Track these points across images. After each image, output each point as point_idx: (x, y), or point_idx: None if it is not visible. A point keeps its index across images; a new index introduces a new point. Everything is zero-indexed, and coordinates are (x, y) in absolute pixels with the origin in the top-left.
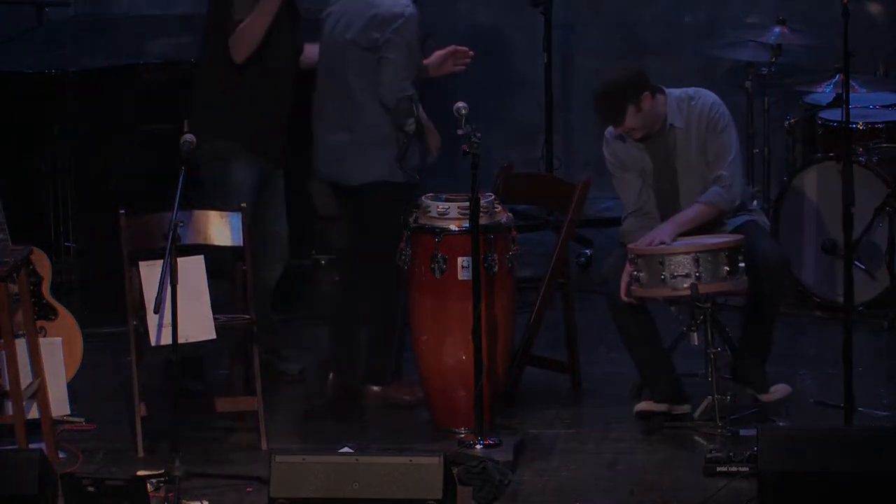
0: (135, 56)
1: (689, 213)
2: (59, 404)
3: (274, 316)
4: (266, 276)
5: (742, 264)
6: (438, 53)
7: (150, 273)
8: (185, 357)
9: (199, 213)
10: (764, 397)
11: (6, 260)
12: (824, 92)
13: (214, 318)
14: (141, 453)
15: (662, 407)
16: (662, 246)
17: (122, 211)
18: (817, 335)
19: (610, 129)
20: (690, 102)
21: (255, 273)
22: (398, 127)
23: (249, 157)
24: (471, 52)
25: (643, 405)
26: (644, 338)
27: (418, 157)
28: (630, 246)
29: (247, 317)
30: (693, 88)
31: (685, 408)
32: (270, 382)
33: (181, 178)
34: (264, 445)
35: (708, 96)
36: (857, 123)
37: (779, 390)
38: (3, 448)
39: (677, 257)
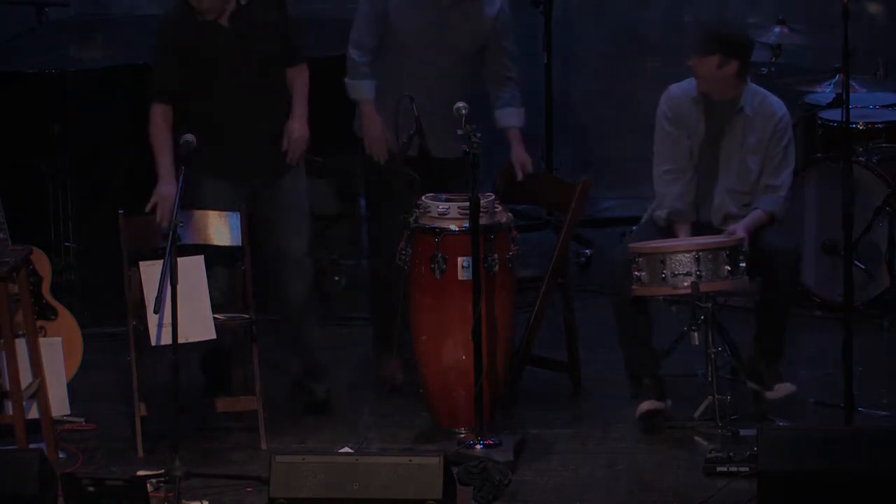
0: (135, 56)
1: (755, 217)
2: (59, 404)
3: (317, 331)
4: (289, 292)
5: (742, 264)
6: (523, 156)
7: (150, 273)
8: (216, 347)
9: (199, 213)
10: (768, 394)
11: (6, 260)
12: (824, 92)
13: (214, 318)
14: (141, 453)
15: (661, 405)
16: (663, 245)
17: (122, 211)
18: (817, 335)
19: (676, 85)
20: (765, 99)
21: (281, 289)
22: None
23: (214, 181)
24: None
25: (647, 405)
26: (642, 334)
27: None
28: (631, 246)
29: (246, 317)
30: (768, 91)
31: (668, 403)
32: (272, 382)
33: (181, 179)
34: (264, 445)
35: (781, 106)
36: (857, 123)
37: (783, 388)
38: (3, 448)
39: (678, 256)
